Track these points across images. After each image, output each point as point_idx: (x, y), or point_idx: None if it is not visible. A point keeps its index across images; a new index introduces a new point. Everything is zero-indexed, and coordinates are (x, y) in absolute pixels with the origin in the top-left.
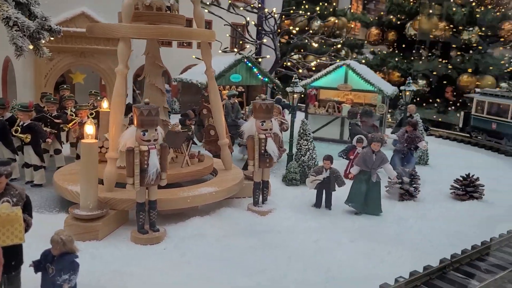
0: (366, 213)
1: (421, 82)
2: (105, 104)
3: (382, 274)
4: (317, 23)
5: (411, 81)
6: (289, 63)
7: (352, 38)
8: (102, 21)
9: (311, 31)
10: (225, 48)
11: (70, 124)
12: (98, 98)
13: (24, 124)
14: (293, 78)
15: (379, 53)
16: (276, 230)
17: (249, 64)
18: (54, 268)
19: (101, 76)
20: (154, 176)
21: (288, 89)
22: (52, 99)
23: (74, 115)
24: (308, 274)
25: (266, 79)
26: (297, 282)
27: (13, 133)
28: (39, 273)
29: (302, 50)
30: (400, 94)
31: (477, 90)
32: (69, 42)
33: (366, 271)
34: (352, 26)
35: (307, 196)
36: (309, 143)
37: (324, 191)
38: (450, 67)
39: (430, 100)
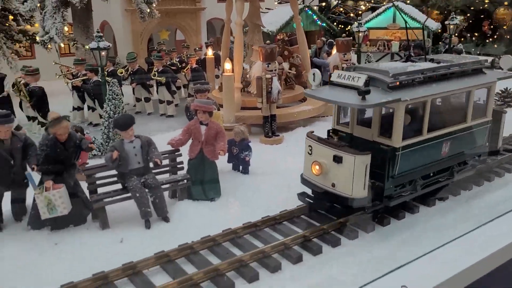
0: None
1: (459, 17)
2: (209, 52)
3: None
4: None
5: (454, 15)
6: (341, 9)
7: None
8: None
9: None
10: (279, 1)
11: (186, 69)
12: (196, 48)
13: (159, 70)
14: (358, 19)
15: None
16: None
17: (310, 12)
18: (238, 148)
19: (182, 33)
20: (276, 96)
21: (354, 28)
22: (156, 56)
23: (178, 63)
24: None
25: (324, 24)
26: None
27: (152, 76)
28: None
29: None
30: (440, 31)
31: None
32: (159, 4)
33: None
34: None
35: None
36: None
37: None
38: (486, 1)
39: (468, 35)
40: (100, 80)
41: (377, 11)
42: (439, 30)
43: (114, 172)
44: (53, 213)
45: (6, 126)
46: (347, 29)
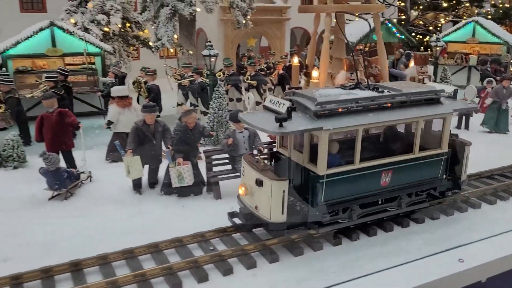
0: (496, 131)
1: None
2: (295, 60)
3: None
4: None
5: None
6: (420, 22)
7: None
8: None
9: None
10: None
11: (274, 74)
12: (282, 56)
13: (251, 74)
14: (436, 34)
15: (501, 5)
16: None
17: (389, 24)
18: None
19: (268, 40)
20: None
21: (432, 43)
22: (251, 62)
23: (266, 68)
24: None
25: (403, 36)
26: None
27: (245, 80)
28: None
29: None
30: None
31: None
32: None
33: None
34: None
35: None
36: (448, 85)
37: (464, 116)
38: None
39: None
40: (204, 81)
41: (457, 26)
42: None
43: (225, 155)
44: (181, 183)
45: (152, 114)
46: (425, 40)
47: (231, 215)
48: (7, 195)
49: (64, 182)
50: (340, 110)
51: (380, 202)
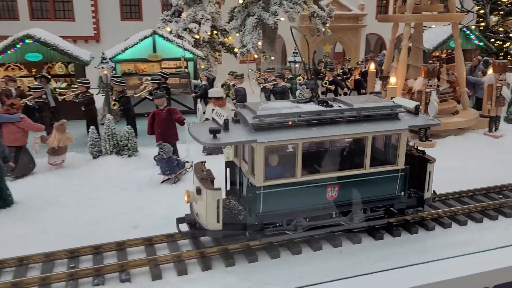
0: None
1: None
2: (372, 66)
3: None
4: None
5: None
6: (500, 29)
7: None
8: (351, 7)
9: None
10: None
11: (350, 80)
12: (359, 62)
13: (330, 79)
14: None
15: None
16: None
17: (467, 31)
18: None
19: (343, 47)
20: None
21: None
22: (329, 68)
23: (342, 74)
24: None
25: (481, 43)
26: None
27: (323, 85)
28: None
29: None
30: None
31: None
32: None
33: None
34: None
35: None
36: None
37: None
38: None
39: None
40: (287, 85)
41: None
42: None
43: None
44: None
45: None
46: (504, 46)
47: (179, 221)
48: (127, 178)
49: (174, 168)
50: (278, 123)
51: (334, 216)
